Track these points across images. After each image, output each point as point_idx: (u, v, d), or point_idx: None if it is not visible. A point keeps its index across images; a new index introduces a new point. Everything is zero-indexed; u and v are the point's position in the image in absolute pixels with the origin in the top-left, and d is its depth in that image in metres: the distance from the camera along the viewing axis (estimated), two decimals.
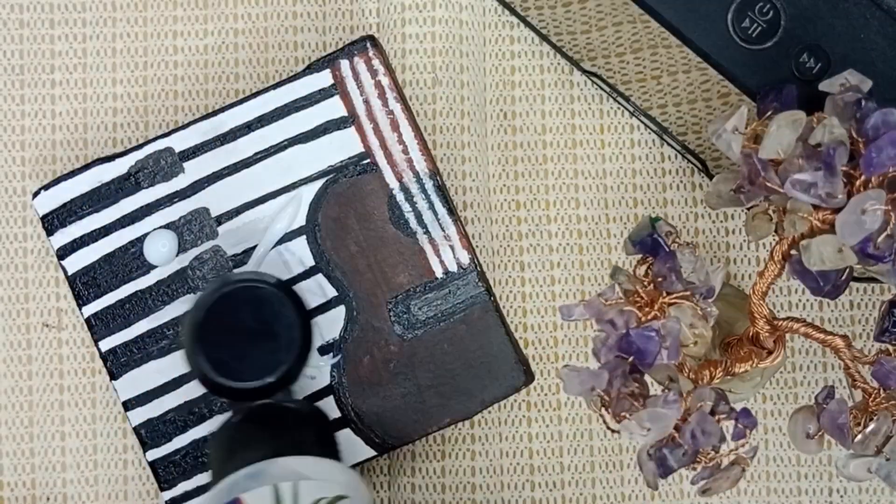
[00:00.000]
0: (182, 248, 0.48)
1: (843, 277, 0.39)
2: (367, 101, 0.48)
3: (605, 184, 0.52)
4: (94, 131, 0.52)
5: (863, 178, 0.37)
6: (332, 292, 0.48)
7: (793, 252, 0.39)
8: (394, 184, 0.48)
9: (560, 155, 0.52)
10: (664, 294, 0.40)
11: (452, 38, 0.51)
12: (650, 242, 0.41)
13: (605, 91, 0.52)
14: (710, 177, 0.50)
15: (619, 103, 0.52)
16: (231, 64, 0.52)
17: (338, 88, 0.48)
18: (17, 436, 0.51)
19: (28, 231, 0.52)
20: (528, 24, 0.52)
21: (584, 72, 0.51)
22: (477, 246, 0.50)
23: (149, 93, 0.52)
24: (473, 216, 0.51)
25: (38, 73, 0.52)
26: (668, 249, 0.40)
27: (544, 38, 0.52)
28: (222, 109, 0.48)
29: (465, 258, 0.48)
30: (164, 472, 0.47)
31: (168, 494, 0.47)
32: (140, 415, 0.48)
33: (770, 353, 0.42)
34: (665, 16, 0.42)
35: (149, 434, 0.47)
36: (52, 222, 0.48)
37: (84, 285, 0.48)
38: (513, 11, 0.52)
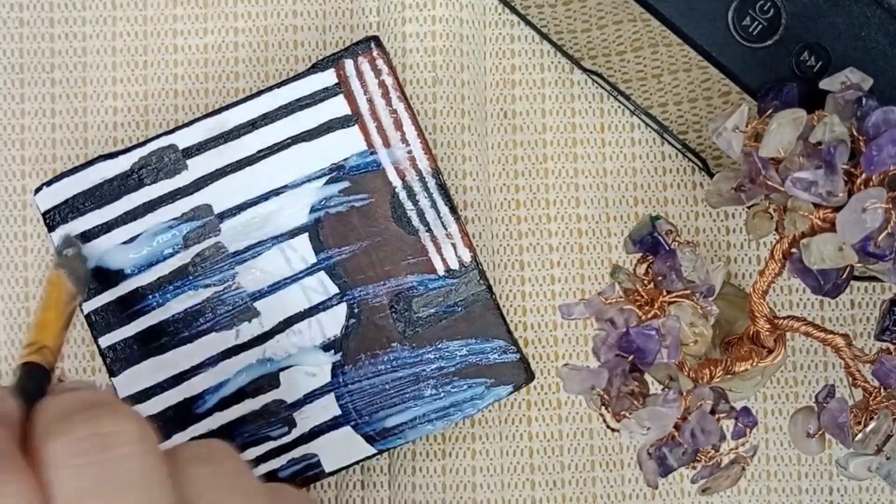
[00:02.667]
0: (184, 245, 0.48)
1: (844, 276, 0.39)
2: (370, 101, 0.48)
3: (605, 182, 0.52)
4: (93, 130, 0.52)
5: (863, 176, 0.37)
6: (333, 290, 0.48)
7: (793, 251, 0.39)
8: (396, 182, 0.48)
9: (560, 154, 0.52)
10: (664, 293, 0.40)
11: (453, 36, 0.51)
12: (650, 241, 0.41)
13: (605, 90, 0.52)
14: (711, 175, 0.50)
15: (620, 102, 0.52)
16: (231, 63, 0.52)
17: (342, 87, 0.48)
18: None
19: (28, 230, 0.51)
20: (528, 23, 0.52)
21: (585, 70, 0.51)
22: (477, 245, 0.50)
23: (149, 92, 0.52)
24: (473, 215, 0.51)
25: (38, 72, 0.52)
26: (668, 248, 0.40)
27: (544, 36, 0.52)
28: (226, 107, 0.48)
29: (466, 256, 0.48)
30: None
31: None
32: (139, 412, 0.47)
33: (770, 352, 0.42)
34: (665, 14, 0.42)
35: None
36: (53, 218, 0.48)
37: None
38: (513, 10, 0.52)
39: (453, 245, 0.48)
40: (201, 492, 0.32)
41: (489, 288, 0.48)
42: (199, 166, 0.48)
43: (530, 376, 0.48)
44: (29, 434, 0.32)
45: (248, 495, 0.34)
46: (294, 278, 0.48)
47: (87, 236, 0.48)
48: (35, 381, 0.37)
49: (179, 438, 0.47)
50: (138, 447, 0.31)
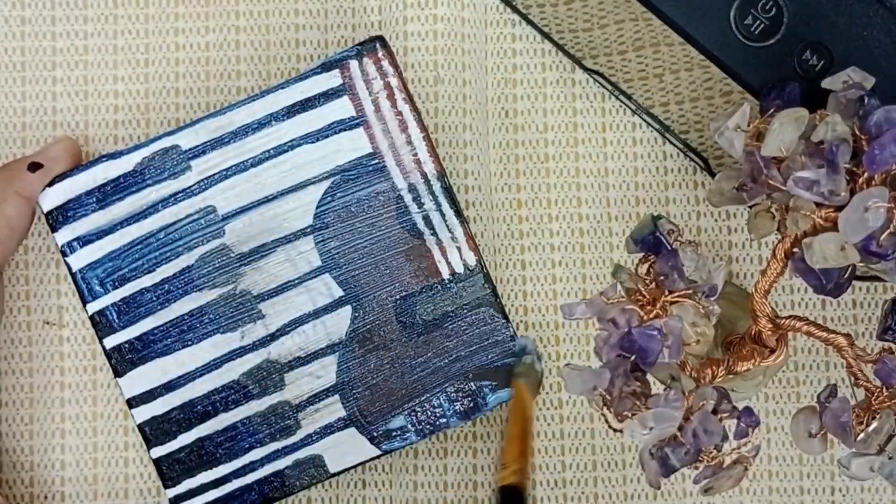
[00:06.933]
0: (188, 247, 0.48)
1: (846, 276, 0.39)
2: (375, 102, 0.48)
3: (607, 182, 0.52)
4: (95, 128, 0.52)
5: (866, 175, 0.37)
6: (338, 292, 0.48)
7: (795, 250, 0.39)
8: (402, 185, 0.48)
9: (562, 153, 0.52)
10: (666, 292, 0.40)
11: (454, 36, 0.51)
12: (652, 241, 0.41)
13: (606, 89, 0.51)
14: (713, 175, 0.50)
15: (622, 101, 0.52)
16: (233, 61, 0.52)
17: (347, 88, 0.48)
18: (17, 433, 0.51)
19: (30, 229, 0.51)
20: (529, 22, 0.52)
21: (586, 70, 0.51)
22: (479, 245, 0.50)
23: (150, 90, 0.52)
24: (475, 215, 0.50)
25: (40, 70, 0.52)
26: (670, 248, 0.40)
27: (546, 35, 0.52)
28: (230, 107, 0.48)
29: (471, 260, 0.48)
30: (168, 470, 0.47)
31: (172, 492, 0.47)
32: (144, 412, 0.48)
33: (772, 351, 0.42)
34: (667, 13, 0.42)
35: (153, 431, 0.47)
36: (56, 219, 0.48)
37: (88, 282, 0.48)
38: (514, 9, 0.52)
39: (458, 248, 0.48)
40: None
41: (494, 292, 0.48)
42: (202, 167, 0.48)
43: None
44: None
45: None
46: (299, 281, 0.48)
47: (91, 237, 0.48)
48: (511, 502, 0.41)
49: (185, 439, 0.47)
50: None
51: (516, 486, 0.43)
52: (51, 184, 0.47)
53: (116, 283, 0.48)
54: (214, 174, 0.48)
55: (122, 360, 0.47)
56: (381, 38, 0.48)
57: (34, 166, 0.48)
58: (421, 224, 0.48)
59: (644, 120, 0.52)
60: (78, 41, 0.52)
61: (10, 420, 0.51)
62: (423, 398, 0.48)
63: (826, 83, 0.39)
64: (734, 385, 0.46)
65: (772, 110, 0.40)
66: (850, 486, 0.51)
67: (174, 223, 0.48)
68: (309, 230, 0.48)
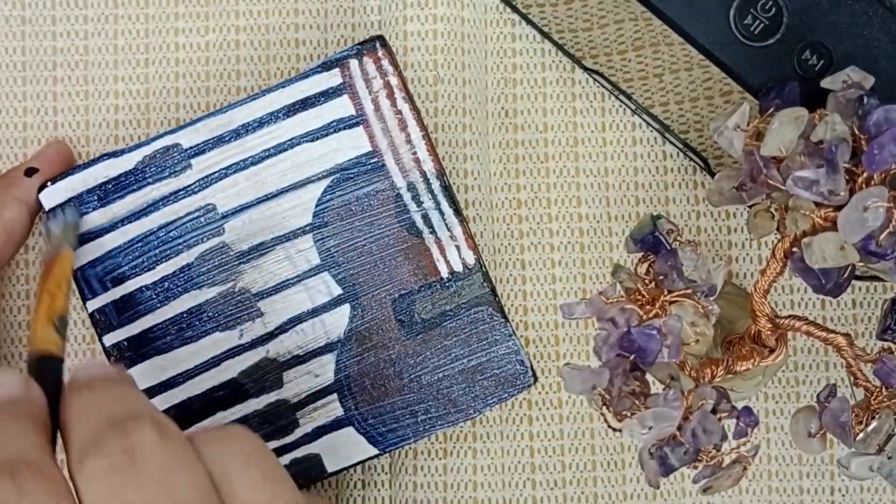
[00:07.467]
0: (188, 245, 0.48)
1: (845, 275, 0.39)
2: (375, 101, 0.48)
3: (606, 182, 0.52)
4: (95, 128, 0.52)
5: (865, 175, 0.37)
6: (337, 291, 0.48)
7: (795, 250, 0.39)
8: (401, 183, 0.48)
9: (562, 153, 0.52)
10: (666, 292, 0.40)
11: (454, 35, 0.51)
12: (652, 240, 0.41)
13: (606, 89, 0.52)
14: (712, 175, 0.50)
15: (621, 101, 0.52)
16: (233, 61, 0.52)
17: (346, 87, 0.48)
18: None
19: None
20: (529, 22, 0.52)
21: (586, 69, 0.51)
22: (478, 244, 0.50)
23: (150, 90, 0.52)
24: (475, 214, 0.50)
25: (40, 70, 0.52)
26: (669, 247, 0.40)
27: (546, 35, 0.52)
28: (231, 106, 0.48)
29: (470, 259, 0.48)
30: None
31: None
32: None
33: (772, 351, 0.42)
34: (667, 13, 0.42)
35: None
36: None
37: (88, 280, 0.48)
38: (514, 9, 0.52)
39: (457, 247, 0.48)
40: (227, 472, 0.34)
41: (493, 290, 0.48)
42: (203, 166, 0.48)
43: (534, 379, 0.48)
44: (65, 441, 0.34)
45: (271, 474, 0.35)
46: (298, 279, 0.48)
47: (91, 235, 0.48)
48: (52, 371, 0.39)
49: None
50: (160, 445, 0.33)
51: (53, 355, 0.40)
52: (52, 182, 0.47)
53: (116, 281, 0.48)
54: (215, 172, 0.48)
55: (121, 358, 0.48)
56: (381, 38, 0.48)
57: (31, 171, 0.48)
58: (420, 223, 0.48)
59: (644, 120, 0.52)
60: (78, 41, 0.52)
61: None
62: (421, 397, 0.48)
63: (825, 83, 0.39)
64: (733, 385, 0.46)
65: (771, 110, 0.40)
66: (849, 485, 0.51)
67: (174, 221, 0.48)
68: (308, 228, 0.48)
